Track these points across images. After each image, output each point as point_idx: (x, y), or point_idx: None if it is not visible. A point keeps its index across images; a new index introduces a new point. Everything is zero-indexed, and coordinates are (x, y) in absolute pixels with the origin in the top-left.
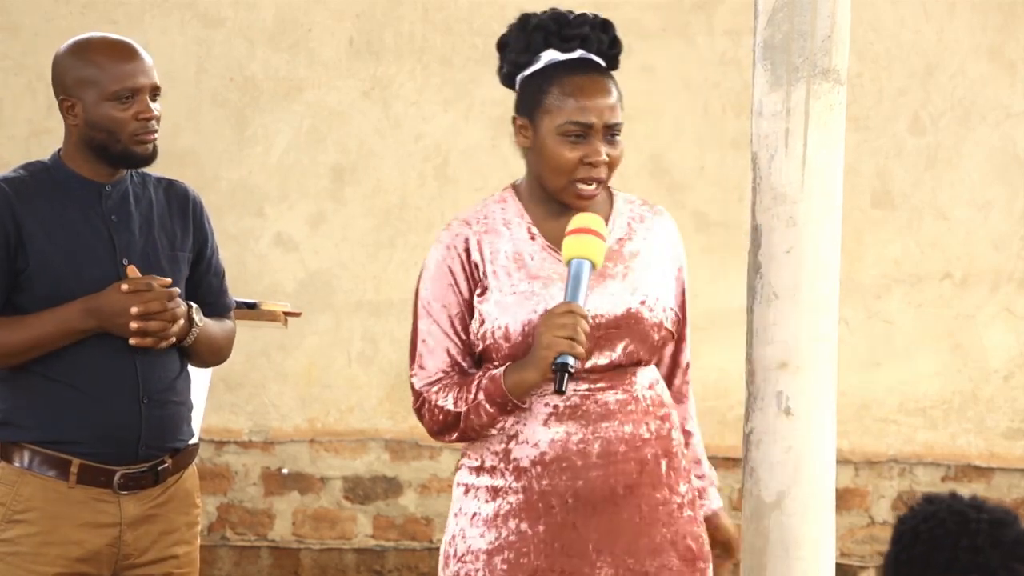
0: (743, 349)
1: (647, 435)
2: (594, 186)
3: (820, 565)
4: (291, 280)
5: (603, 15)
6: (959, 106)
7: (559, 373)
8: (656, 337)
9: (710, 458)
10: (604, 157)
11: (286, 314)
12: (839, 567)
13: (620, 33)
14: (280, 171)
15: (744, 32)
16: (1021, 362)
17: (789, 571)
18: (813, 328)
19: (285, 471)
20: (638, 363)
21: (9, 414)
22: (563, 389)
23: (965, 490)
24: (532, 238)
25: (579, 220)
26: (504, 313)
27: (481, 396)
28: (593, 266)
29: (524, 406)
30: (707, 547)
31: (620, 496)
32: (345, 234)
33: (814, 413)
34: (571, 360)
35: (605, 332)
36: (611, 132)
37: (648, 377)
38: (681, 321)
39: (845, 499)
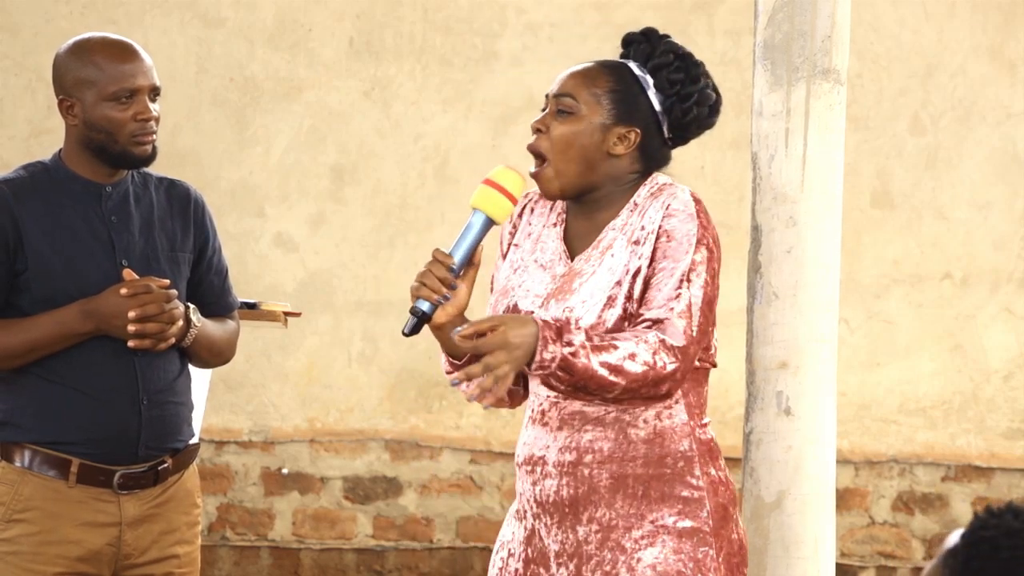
0: (743, 349)
1: (618, 454)
2: (537, 162)
3: (820, 565)
4: (291, 280)
5: (604, 15)
6: (959, 106)
7: (411, 316)
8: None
9: None
10: (540, 127)
11: (286, 314)
12: (839, 567)
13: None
14: (280, 171)
15: (744, 32)
16: (1021, 362)
17: (789, 571)
18: (813, 328)
19: (285, 471)
20: None
21: (9, 414)
22: (407, 332)
23: (965, 490)
24: (555, 224)
25: (498, 174)
26: (497, 283)
27: None
28: (492, 223)
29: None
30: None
31: (577, 510)
32: (345, 234)
33: (814, 413)
34: (425, 306)
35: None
36: (558, 107)
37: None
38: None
39: (845, 499)
